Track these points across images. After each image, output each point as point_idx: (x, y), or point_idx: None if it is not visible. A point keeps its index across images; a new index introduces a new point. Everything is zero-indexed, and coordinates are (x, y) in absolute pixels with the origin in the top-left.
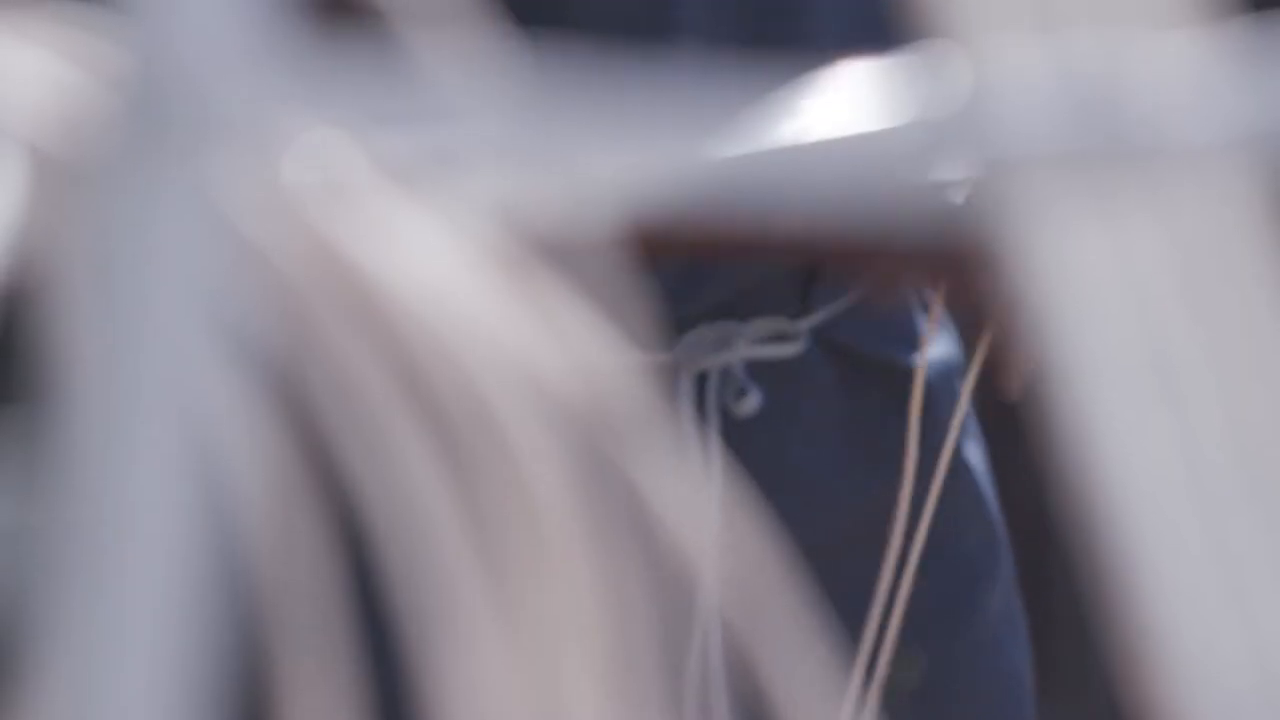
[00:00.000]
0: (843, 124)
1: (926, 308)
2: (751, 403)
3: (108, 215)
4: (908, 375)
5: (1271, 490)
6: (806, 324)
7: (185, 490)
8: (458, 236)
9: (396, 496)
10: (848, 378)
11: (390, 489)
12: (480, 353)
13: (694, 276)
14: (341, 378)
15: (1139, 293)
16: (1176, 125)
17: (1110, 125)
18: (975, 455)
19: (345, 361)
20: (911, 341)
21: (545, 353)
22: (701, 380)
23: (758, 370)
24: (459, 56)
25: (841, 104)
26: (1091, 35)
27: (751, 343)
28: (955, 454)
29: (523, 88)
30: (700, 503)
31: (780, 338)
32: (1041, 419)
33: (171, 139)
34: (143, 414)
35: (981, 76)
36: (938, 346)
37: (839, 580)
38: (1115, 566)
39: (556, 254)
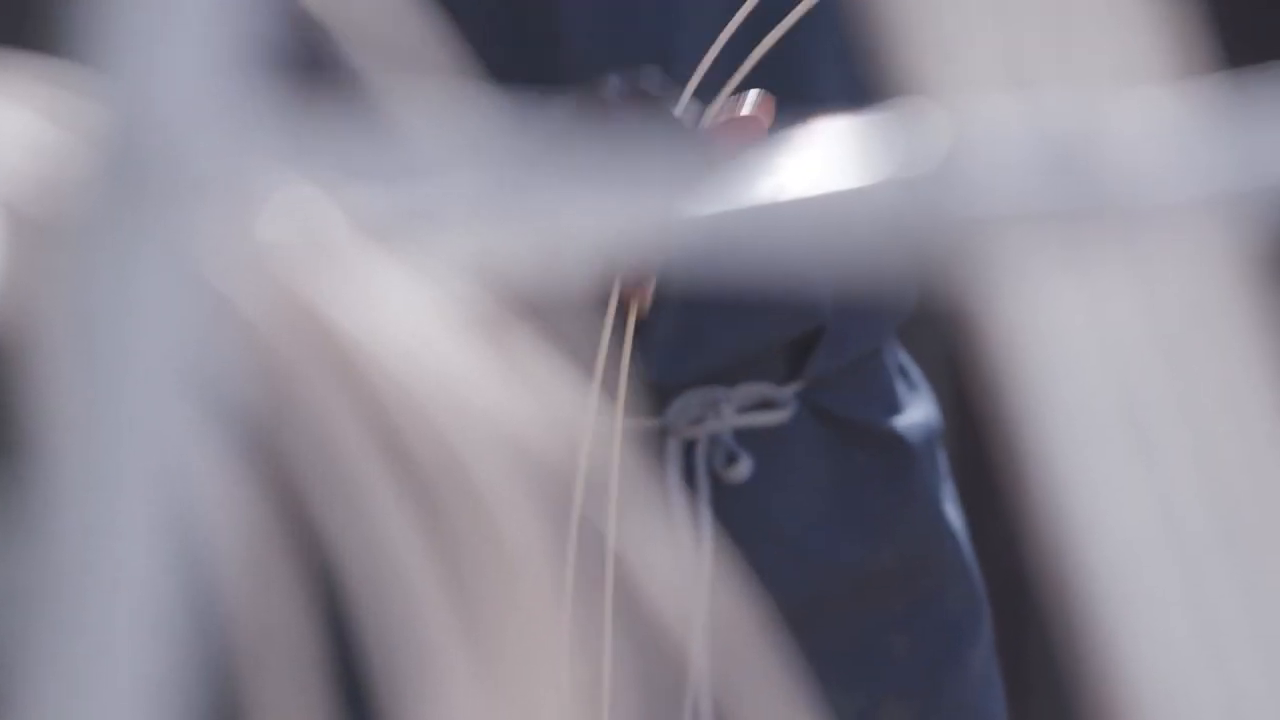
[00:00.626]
0: (820, 181)
1: (906, 372)
2: (742, 470)
3: (86, 273)
4: (892, 439)
5: (1246, 544)
6: (793, 389)
7: (165, 545)
8: (434, 293)
9: (373, 552)
10: (833, 442)
11: (367, 545)
12: (456, 409)
13: (682, 344)
14: (318, 434)
15: (1114, 349)
16: (1151, 182)
17: (1085, 183)
18: (956, 517)
19: (322, 417)
20: (894, 406)
21: (521, 409)
22: (690, 446)
23: (745, 435)
24: (435, 113)
25: (819, 161)
26: (1066, 93)
27: (739, 409)
28: (937, 516)
29: (499, 144)
30: (683, 564)
31: (767, 404)
32: (1019, 474)
33: (149, 197)
34: (122, 470)
35: (958, 134)
36: (919, 410)
37: (825, 640)
38: (1091, 621)
39: (533, 310)
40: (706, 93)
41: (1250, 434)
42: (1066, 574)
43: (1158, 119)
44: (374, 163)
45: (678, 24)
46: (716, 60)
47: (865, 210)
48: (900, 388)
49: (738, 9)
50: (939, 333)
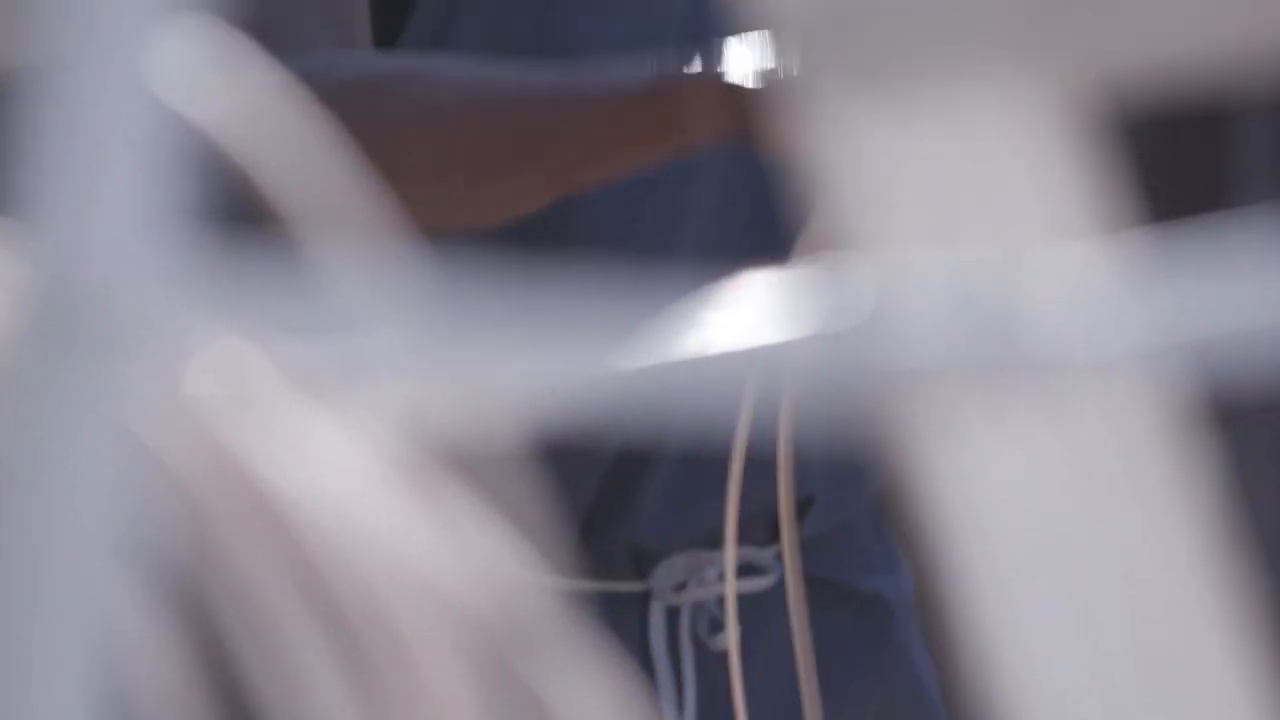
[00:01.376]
0: (747, 336)
1: (881, 530)
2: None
3: (13, 426)
4: (871, 599)
5: (1176, 696)
6: (775, 551)
7: (92, 697)
8: (363, 446)
9: (300, 708)
10: (815, 604)
11: (294, 700)
12: (384, 563)
13: (673, 509)
14: (245, 589)
15: (1040, 505)
16: (1075, 338)
17: (1010, 337)
18: (930, 675)
19: (249, 571)
20: (872, 565)
21: (450, 565)
22: (674, 612)
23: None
24: (365, 266)
25: (746, 316)
26: (990, 248)
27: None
28: (916, 675)
29: (428, 298)
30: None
31: (752, 568)
32: (951, 626)
33: (77, 350)
34: (47, 625)
35: (884, 289)
36: (894, 568)
37: None
38: None
39: (462, 464)
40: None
41: (1176, 585)
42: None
43: (1082, 274)
44: (303, 316)
45: (685, 219)
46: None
47: (791, 364)
48: (876, 547)
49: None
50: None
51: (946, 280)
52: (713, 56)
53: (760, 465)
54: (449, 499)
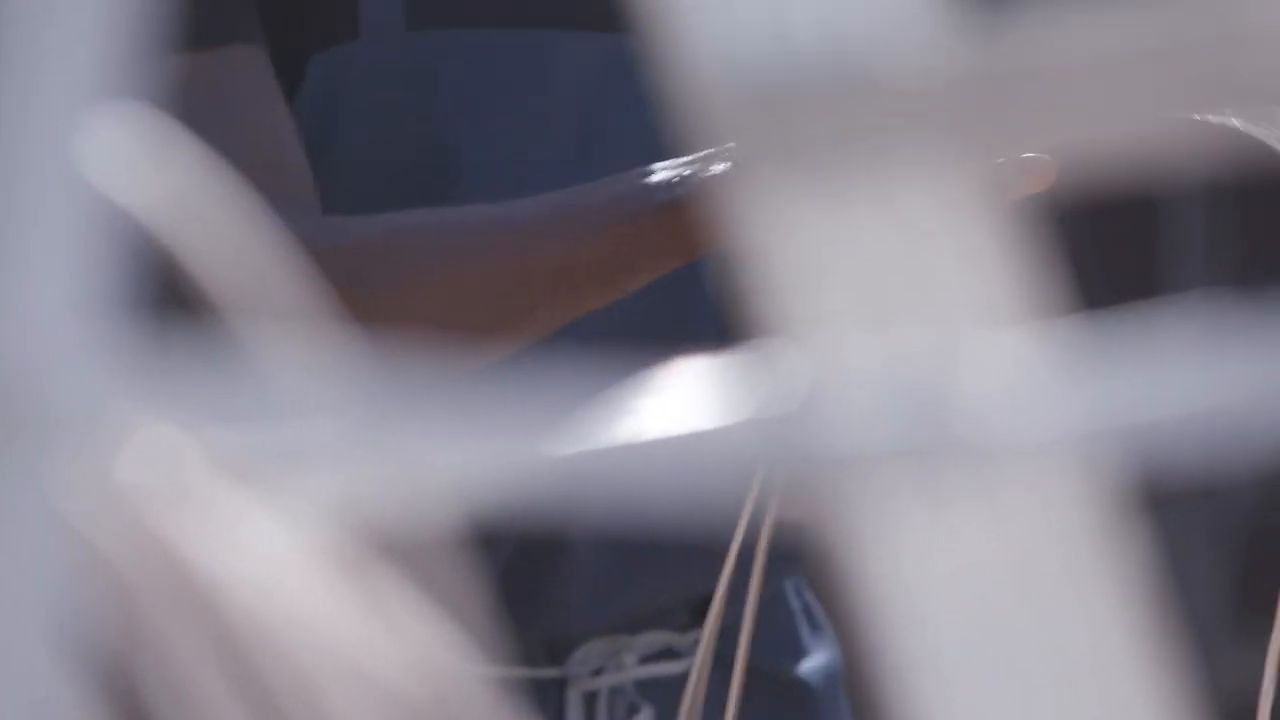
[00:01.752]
0: (680, 422)
1: (810, 612)
2: None
3: None
4: (794, 684)
5: None
6: (694, 636)
7: None
8: (295, 534)
9: None
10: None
11: None
12: (315, 651)
13: (594, 596)
14: (177, 676)
15: (973, 590)
16: (1008, 423)
17: (942, 423)
18: None
19: (181, 660)
20: (797, 649)
21: (380, 651)
22: (591, 697)
23: (647, 685)
24: (296, 353)
25: (679, 401)
26: (923, 333)
27: (641, 659)
28: None
29: (361, 386)
30: None
31: (670, 653)
32: (883, 711)
33: (7, 436)
34: None
35: (817, 374)
36: (821, 651)
37: None
38: None
39: (396, 553)
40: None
41: (1108, 671)
42: None
43: (1014, 360)
44: (235, 403)
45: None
46: None
47: (725, 450)
48: (803, 629)
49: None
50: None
51: (880, 365)
52: (612, 165)
53: (683, 551)
54: (380, 586)
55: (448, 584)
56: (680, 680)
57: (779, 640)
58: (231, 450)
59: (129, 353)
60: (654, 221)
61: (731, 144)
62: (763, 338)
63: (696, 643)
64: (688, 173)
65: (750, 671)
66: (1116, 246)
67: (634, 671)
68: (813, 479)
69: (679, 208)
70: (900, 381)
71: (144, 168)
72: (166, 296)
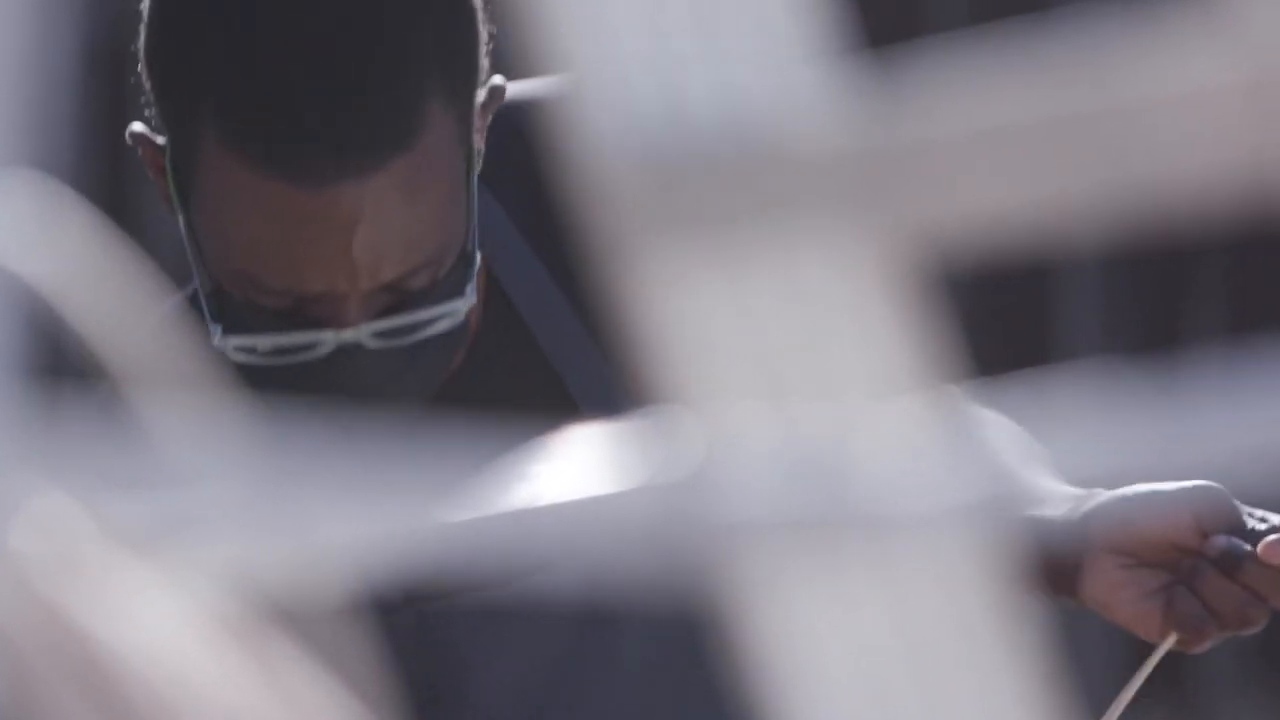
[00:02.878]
0: (574, 488)
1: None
2: None
3: None
4: None
5: None
6: None
7: None
8: (187, 603)
9: None
10: None
11: None
12: (207, 718)
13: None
14: None
15: (866, 658)
16: (899, 493)
17: (837, 492)
18: None
19: None
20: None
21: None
22: None
23: None
24: (190, 423)
25: (575, 467)
26: (818, 402)
27: None
28: None
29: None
30: None
31: None
32: None
33: None
34: None
35: (711, 442)
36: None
37: None
38: None
39: (288, 620)
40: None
41: None
42: None
43: (909, 430)
44: (127, 472)
45: None
46: None
47: (619, 516)
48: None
49: None
50: None
51: (774, 434)
52: None
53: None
54: (271, 653)
55: (339, 652)
56: None
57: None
58: (123, 519)
59: (22, 421)
60: None
61: (629, 212)
62: (659, 406)
63: None
64: None
65: None
66: (1009, 315)
67: None
68: (709, 546)
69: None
70: (795, 450)
71: (38, 236)
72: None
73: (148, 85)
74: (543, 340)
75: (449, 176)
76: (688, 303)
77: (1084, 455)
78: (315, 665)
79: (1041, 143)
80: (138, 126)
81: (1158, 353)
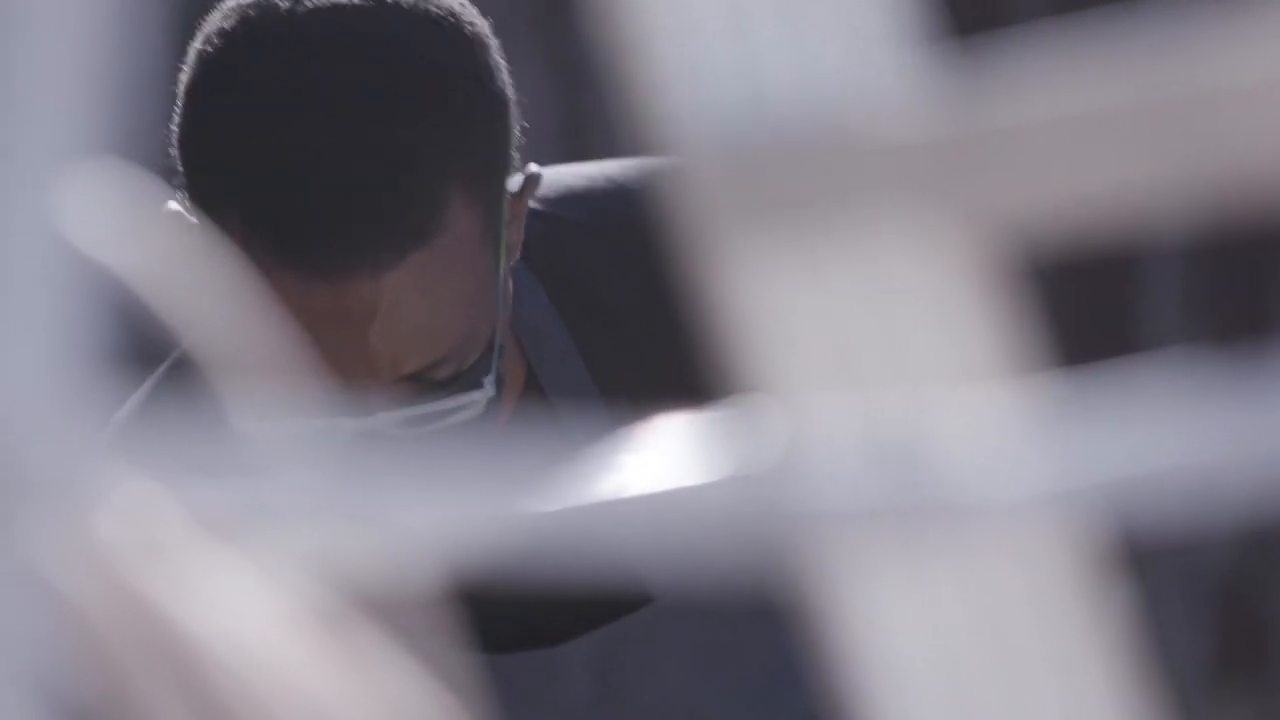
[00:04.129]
0: (660, 479)
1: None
2: None
3: None
4: None
5: None
6: None
7: None
8: (274, 591)
9: None
10: None
11: None
12: (296, 708)
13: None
14: None
15: (948, 647)
16: (982, 482)
17: (917, 481)
18: None
19: (159, 717)
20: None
21: (361, 709)
22: None
23: None
24: (275, 410)
25: (659, 459)
26: (899, 391)
27: None
28: None
29: (340, 442)
30: None
31: None
32: None
33: None
34: None
35: (793, 432)
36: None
37: None
38: None
39: (375, 608)
40: None
41: None
42: None
43: (990, 419)
44: (214, 460)
45: None
46: None
47: (704, 507)
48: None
49: None
50: None
51: (856, 424)
52: None
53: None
54: (358, 641)
55: (426, 639)
56: None
57: (756, 692)
58: (209, 507)
59: (107, 410)
60: None
61: (712, 202)
62: (742, 396)
63: None
64: None
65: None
66: (1093, 304)
67: None
68: (791, 536)
69: None
70: (877, 440)
71: (122, 226)
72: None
73: (179, 166)
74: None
75: (473, 270)
76: (770, 291)
77: (1165, 445)
78: (401, 653)
79: (1125, 130)
80: (174, 205)
81: (1241, 342)
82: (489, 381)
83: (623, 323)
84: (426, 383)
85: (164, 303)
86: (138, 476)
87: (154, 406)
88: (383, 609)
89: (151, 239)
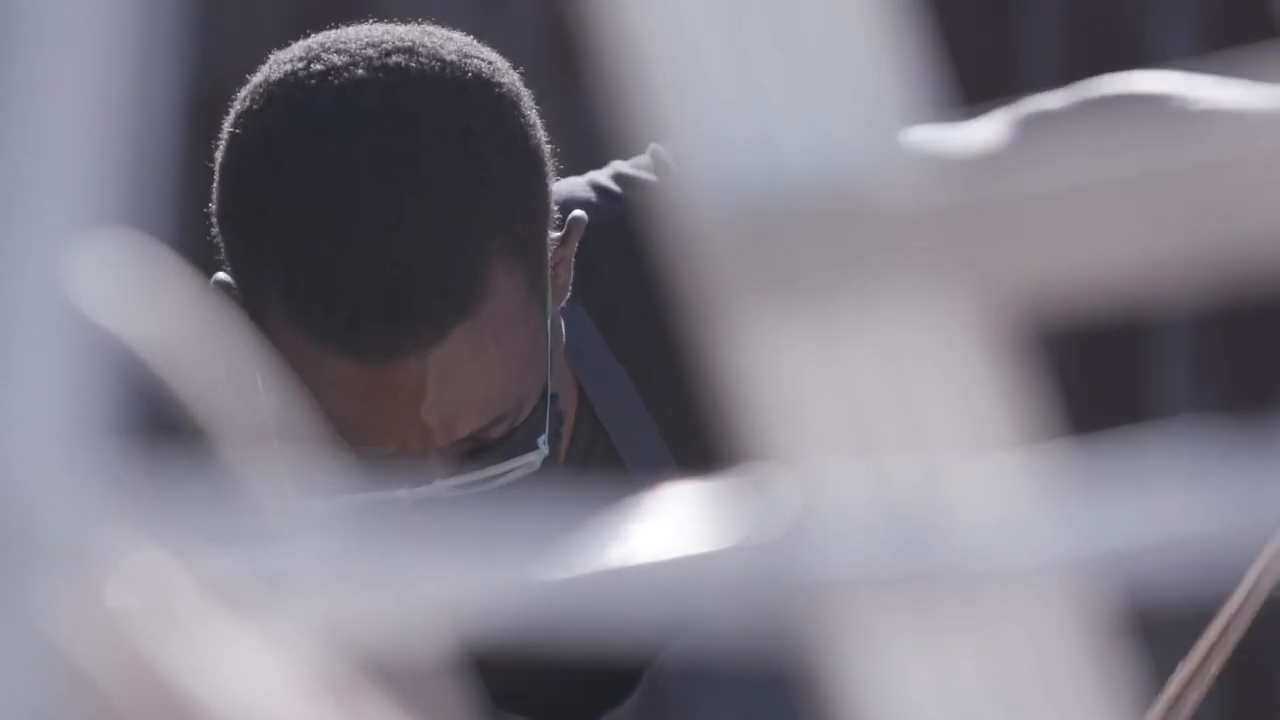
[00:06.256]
0: (671, 546)
1: None
2: None
3: None
4: None
5: None
6: None
7: None
8: (285, 659)
9: None
10: None
11: None
12: None
13: None
14: None
15: (958, 713)
16: (993, 549)
17: (929, 549)
18: None
19: None
20: None
21: None
22: None
23: None
24: (286, 478)
25: (670, 526)
26: (911, 459)
27: None
28: None
29: (350, 511)
30: None
31: None
32: None
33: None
34: None
35: (806, 498)
36: None
37: None
38: None
39: (386, 676)
40: None
41: None
42: None
43: (1000, 485)
44: (225, 527)
45: None
46: None
47: (714, 575)
48: None
49: None
50: None
51: (867, 491)
52: None
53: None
54: (371, 710)
55: (436, 706)
56: None
57: None
58: (219, 574)
59: (118, 477)
60: None
61: (724, 271)
62: (753, 463)
63: None
64: None
65: None
66: (1103, 373)
67: None
68: (802, 603)
69: None
70: (888, 507)
71: (133, 293)
72: (156, 422)
73: (221, 245)
74: (627, 459)
75: (520, 330)
76: (782, 359)
77: (1177, 513)
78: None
79: (1135, 199)
80: (222, 276)
81: (1251, 412)
82: (543, 441)
83: (654, 324)
84: (482, 440)
85: (176, 373)
86: (148, 545)
87: (164, 475)
88: (394, 677)
89: (163, 309)
